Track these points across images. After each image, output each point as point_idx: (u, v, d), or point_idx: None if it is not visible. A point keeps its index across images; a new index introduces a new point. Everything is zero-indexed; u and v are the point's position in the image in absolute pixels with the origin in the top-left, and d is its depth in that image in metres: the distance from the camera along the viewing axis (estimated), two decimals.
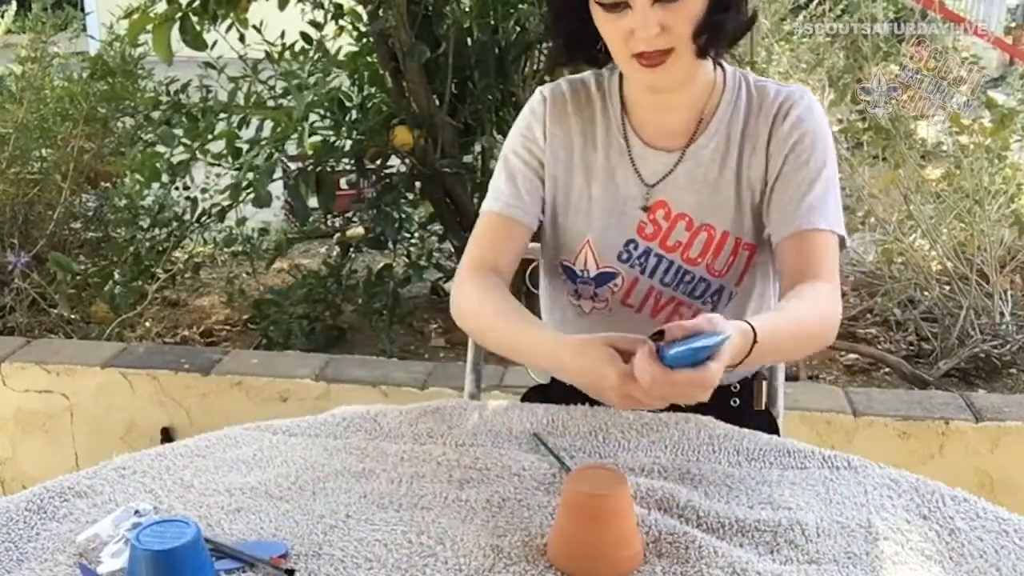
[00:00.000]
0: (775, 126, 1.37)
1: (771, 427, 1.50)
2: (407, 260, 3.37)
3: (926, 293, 3.06)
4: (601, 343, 1.14)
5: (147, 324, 3.13)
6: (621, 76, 1.42)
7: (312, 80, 2.97)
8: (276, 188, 3.30)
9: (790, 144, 1.35)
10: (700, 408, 1.42)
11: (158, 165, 3.13)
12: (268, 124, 3.05)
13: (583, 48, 1.37)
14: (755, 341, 1.13)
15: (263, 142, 2.96)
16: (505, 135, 3.19)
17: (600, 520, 1.00)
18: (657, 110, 1.40)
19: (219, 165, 3.21)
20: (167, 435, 2.48)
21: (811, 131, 1.35)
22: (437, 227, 3.44)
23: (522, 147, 1.45)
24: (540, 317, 1.52)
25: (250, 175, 2.94)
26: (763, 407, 1.58)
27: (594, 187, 1.42)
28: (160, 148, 3.18)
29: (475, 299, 1.36)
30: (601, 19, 1.29)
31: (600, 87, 1.45)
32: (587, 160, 1.43)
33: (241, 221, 3.36)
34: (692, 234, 1.39)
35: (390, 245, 3.33)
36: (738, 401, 1.51)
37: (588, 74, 1.46)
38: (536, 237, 1.48)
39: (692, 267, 1.40)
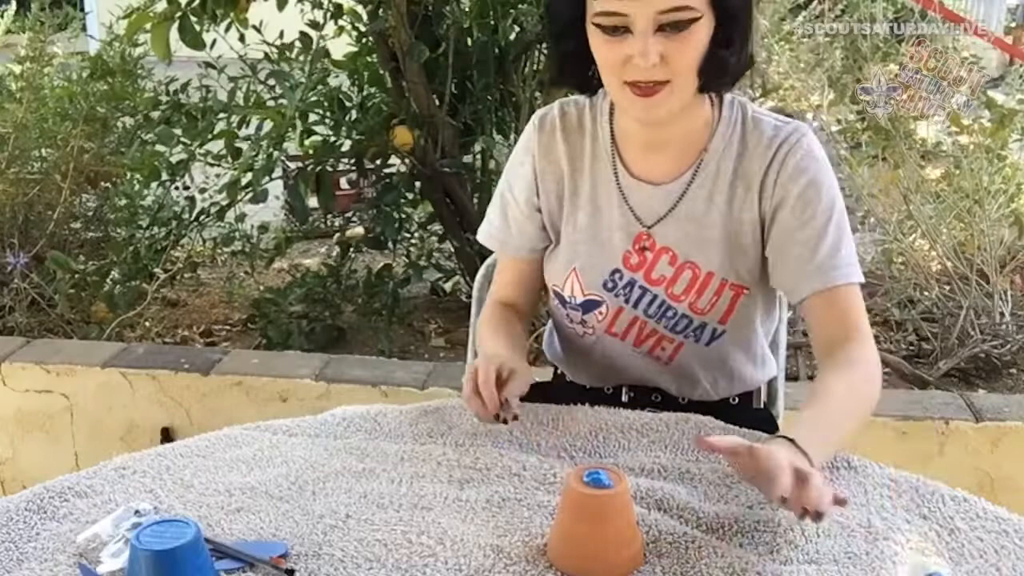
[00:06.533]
0: (770, 171, 1.32)
1: (771, 427, 1.50)
2: (407, 260, 3.37)
3: (926, 293, 3.05)
4: (488, 362, 1.26)
5: (147, 324, 3.13)
6: (612, 104, 1.38)
7: (309, 78, 2.97)
8: (276, 188, 3.31)
9: (793, 196, 1.30)
10: (701, 409, 1.43)
11: (157, 164, 3.13)
12: (267, 123, 3.05)
13: (575, 70, 1.33)
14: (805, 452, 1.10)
15: (262, 141, 2.96)
16: (505, 135, 3.22)
17: (600, 520, 1.00)
18: (648, 147, 1.36)
19: (218, 165, 3.21)
20: (167, 435, 2.48)
21: (813, 179, 1.30)
22: (437, 227, 3.44)
23: (516, 184, 1.45)
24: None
25: (248, 175, 2.94)
26: (762, 406, 1.57)
27: (580, 215, 1.40)
28: (160, 148, 3.18)
29: (478, 329, 1.49)
30: (597, 42, 1.24)
31: (592, 110, 1.41)
32: (575, 187, 1.41)
33: (240, 217, 3.36)
34: (676, 270, 1.36)
35: (390, 245, 3.33)
36: (737, 400, 1.51)
37: (582, 97, 1.41)
38: None
39: (675, 303, 1.37)
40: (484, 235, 1.51)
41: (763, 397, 1.58)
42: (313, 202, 3.22)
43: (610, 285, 1.39)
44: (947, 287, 3.02)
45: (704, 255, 1.35)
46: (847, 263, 1.30)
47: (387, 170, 3.27)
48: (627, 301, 1.39)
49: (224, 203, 3.15)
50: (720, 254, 1.35)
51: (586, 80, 1.34)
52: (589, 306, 1.41)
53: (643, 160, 1.37)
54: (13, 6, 4.28)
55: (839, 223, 1.31)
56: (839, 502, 1.01)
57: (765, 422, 1.50)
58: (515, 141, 3.01)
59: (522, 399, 1.57)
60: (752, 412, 1.53)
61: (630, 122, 1.35)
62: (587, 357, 1.48)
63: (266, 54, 3.17)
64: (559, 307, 1.46)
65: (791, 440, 1.11)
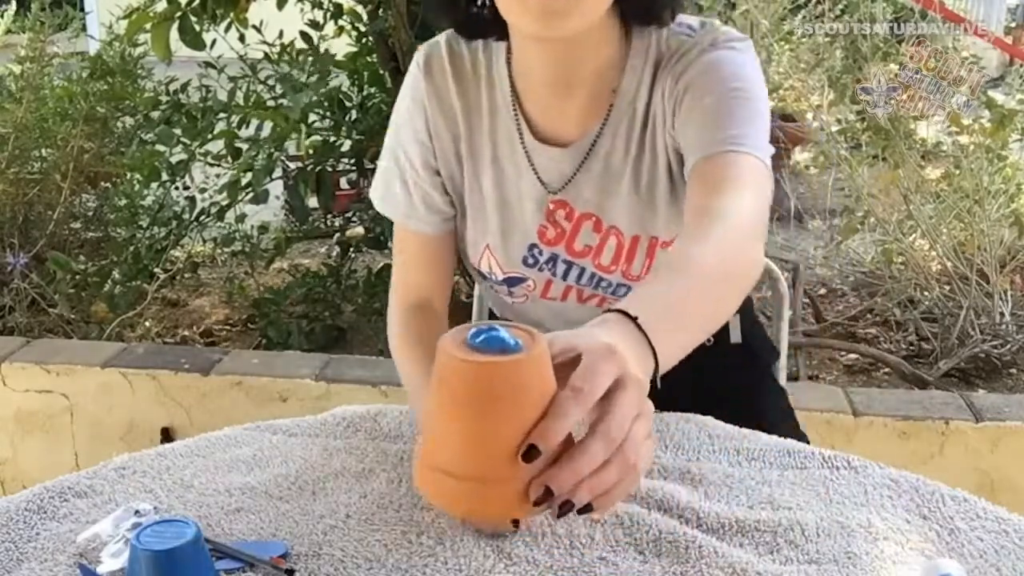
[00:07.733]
0: (676, 71, 1.09)
1: (751, 364, 1.39)
2: None
3: (926, 293, 3.06)
4: None
5: (147, 324, 3.13)
6: (509, 52, 1.16)
7: (311, 79, 2.97)
8: (276, 188, 3.31)
9: (693, 78, 1.07)
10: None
11: (157, 164, 3.13)
12: (268, 124, 3.06)
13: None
14: (635, 320, 0.81)
15: (262, 142, 2.96)
16: None
17: (494, 406, 0.61)
18: (554, 89, 1.14)
19: (218, 165, 3.21)
20: (167, 435, 2.48)
21: (717, 59, 1.07)
22: None
23: (410, 144, 1.25)
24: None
25: (248, 175, 2.95)
26: (740, 339, 1.36)
27: (484, 181, 1.20)
28: (160, 148, 3.18)
29: (396, 356, 1.34)
30: None
31: (487, 51, 1.18)
32: (473, 148, 1.20)
33: (240, 218, 3.36)
34: (601, 238, 1.19)
35: (390, 245, 3.33)
36: (712, 340, 1.14)
37: None
38: None
39: (606, 274, 1.21)
40: (380, 200, 1.27)
41: (738, 330, 1.36)
42: (313, 202, 3.22)
43: (530, 261, 1.23)
44: (947, 287, 3.03)
45: (625, 217, 1.17)
46: (738, 128, 1.03)
47: None
48: (554, 275, 1.23)
49: (224, 203, 3.15)
50: (639, 211, 1.16)
51: (467, 17, 1.12)
52: (513, 282, 1.26)
53: (548, 114, 1.16)
54: (13, 6, 4.28)
55: (737, 99, 1.05)
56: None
57: (744, 359, 1.38)
58: None
59: None
60: (730, 350, 1.36)
61: (531, 58, 1.12)
62: (534, 317, 1.30)
63: (266, 54, 3.17)
64: (482, 280, 1.30)
65: (633, 319, 0.80)
